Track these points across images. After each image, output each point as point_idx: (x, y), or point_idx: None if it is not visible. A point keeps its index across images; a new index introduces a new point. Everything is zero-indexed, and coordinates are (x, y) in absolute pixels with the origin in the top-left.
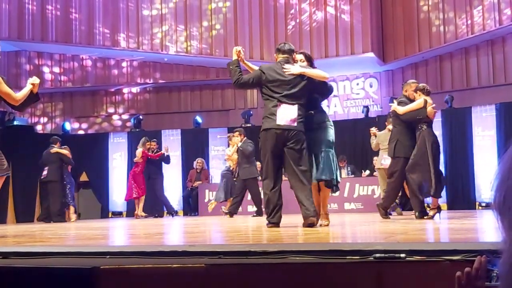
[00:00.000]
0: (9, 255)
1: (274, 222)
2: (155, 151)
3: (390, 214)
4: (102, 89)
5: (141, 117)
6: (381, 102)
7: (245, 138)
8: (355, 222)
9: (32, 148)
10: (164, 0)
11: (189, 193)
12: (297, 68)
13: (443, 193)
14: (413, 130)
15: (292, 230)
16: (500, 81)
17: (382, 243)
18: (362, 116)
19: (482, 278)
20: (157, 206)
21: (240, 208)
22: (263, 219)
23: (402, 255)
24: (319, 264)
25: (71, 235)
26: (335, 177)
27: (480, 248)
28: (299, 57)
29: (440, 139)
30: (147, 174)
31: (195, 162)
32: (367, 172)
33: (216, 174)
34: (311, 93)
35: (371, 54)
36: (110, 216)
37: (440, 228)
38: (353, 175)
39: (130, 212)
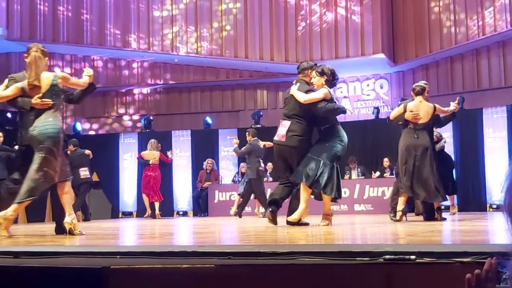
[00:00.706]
0: (19, 254)
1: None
2: None
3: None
4: (112, 89)
5: (151, 117)
6: (392, 103)
7: (255, 138)
8: (364, 223)
9: None
10: (175, 1)
11: (199, 193)
12: (292, 89)
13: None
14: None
15: (302, 231)
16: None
17: (392, 245)
18: (372, 117)
19: (492, 280)
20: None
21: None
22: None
23: (412, 257)
24: (328, 265)
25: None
26: (312, 184)
27: (491, 250)
28: (312, 73)
29: (450, 141)
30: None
31: (205, 163)
32: (377, 173)
33: (225, 175)
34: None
35: (381, 55)
36: (120, 216)
37: (450, 230)
38: (363, 177)
39: (140, 212)
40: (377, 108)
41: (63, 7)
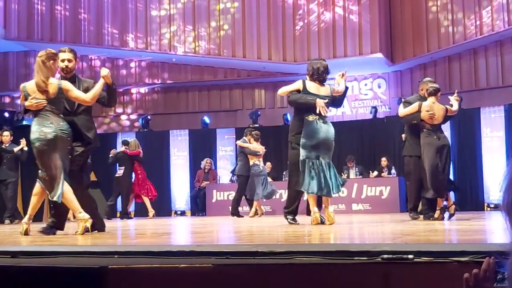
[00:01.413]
0: (17, 254)
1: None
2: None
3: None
4: None
5: (149, 117)
6: (390, 102)
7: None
8: (362, 223)
9: None
10: (173, 0)
11: (196, 193)
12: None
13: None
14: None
15: (300, 230)
16: (509, 82)
17: (389, 244)
18: (370, 116)
19: (490, 279)
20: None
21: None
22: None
23: (410, 256)
24: (326, 265)
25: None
26: None
27: (489, 250)
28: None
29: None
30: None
31: (203, 162)
32: (375, 173)
33: (223, 175)
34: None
35: (379, 55)
36: (118, 216)
37: (448, 229)
38: (361, 176)
39: (138, 212)
40: (375, 108)
41: (61, 7)
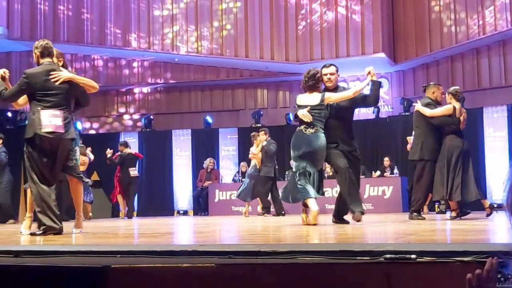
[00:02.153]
0: (20, 253)
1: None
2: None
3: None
4: (113, 89)
5: (151, 117)
6: (392, 102)
7: (269, 137)
8: (365, 222)
9: None
10: (175, 0)
11: (199, 192)
12: None
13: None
14: (440, 133)
15: (302, 230)
16: None
17: (392, 244)
18: (373, 116)
19: (493, 280)
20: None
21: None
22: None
23: (413, 256)
24: (329, 265)
25: (82, 234)
26: None
27: (491, 250)
28: None
29: None
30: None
31: (205, 162)
32: (378, 172)
33: (226, 174)
34: None
35: (382, 55)
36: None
37: (451, 229)
38: (363, 176)
39: (140, 212)
40: (377, 108)
41: (64, 6)
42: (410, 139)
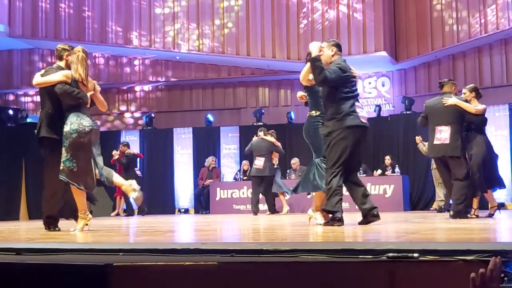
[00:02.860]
0: (22, 251)
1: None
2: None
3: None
4: (114, 87)
5: (153, 115)
6: (394, 101)
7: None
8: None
9: None
10: None
11: (200, 191)
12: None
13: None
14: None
15: (305, 228)
16: None
17: (394, 243)
18: (374, 115)
19: (497, 279)
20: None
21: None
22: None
23: (415, 254)
24: (331, 263)
25: (84, 232)
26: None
27: (494, 249)
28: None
29: None
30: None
31: (207, 160)
32: (379, 171)
33: (227, 173)
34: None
35: (383, 53)
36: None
37: (453, 228)
38: (365, 175)
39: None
40: (378, 106)
41: (65, 4)
42: (419, 138)
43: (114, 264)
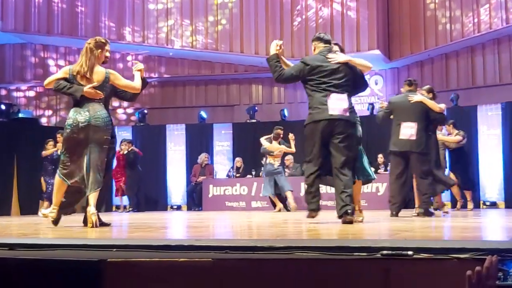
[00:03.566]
0: (15, 246)
1: (312, 209)
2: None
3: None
4: None
5: (145, 111)
6: (386, 99)
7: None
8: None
9: (36, 141)
10: None
11: (193, 188)
12: (343, 56)
13: (448, 192)
14: None
15: (299, 226)
16: (506, 80)
17: (389, 240)
18: (367, 113)
19: (493, 277)
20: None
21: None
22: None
23: (410, 252)
24: (326, 260)
25: (77, 228)
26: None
27: (489, 247)
28: (335, 48)
29: None
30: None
31: (200, 157)
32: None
33: (220, 170)
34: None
35: (377, 51)
36: (114, 209)
37: (447, 226)
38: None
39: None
40: (371, 104)
41: None
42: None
43: (108, 260)
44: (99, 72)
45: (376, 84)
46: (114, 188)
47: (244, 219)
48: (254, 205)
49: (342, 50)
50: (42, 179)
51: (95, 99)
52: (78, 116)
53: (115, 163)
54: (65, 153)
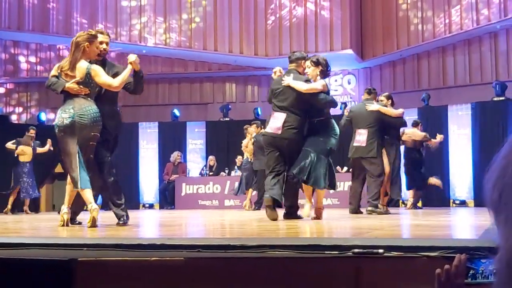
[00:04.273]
0: None
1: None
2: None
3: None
4: None
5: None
6: (359, 99)
7: (262, 130)
8: (332, 217)
9: (6, 138)
10: None
11: (165, 186)
12: (287, 80)
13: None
14: None
15: (272, 224)
16: (476, 81)
17: (360, 239)
18: (339, 112)
19: (461, 275)
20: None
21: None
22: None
23: (380, 250)
24: (298, 259)
25: (47, 227)
26: (307, 177)
27: (457, 245)
28: (307, 63)
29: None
30: None
31: (173, 155)
32: (345, 168)
33: (193, 168)
34: (310, 103)
35: (349, 51)
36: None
37: (417, 225)
38: None
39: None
40: (344, 104)
41: None
42: (441, 136)
43: (79, 259)
44: (81, 67)
45: (349, 83)
46: None
47: (217, 217)
48: (227, 204)
49: (318, 64)
50: None
51: (81, 95)
52: (62, 113)
53: None
54: (60, 153)
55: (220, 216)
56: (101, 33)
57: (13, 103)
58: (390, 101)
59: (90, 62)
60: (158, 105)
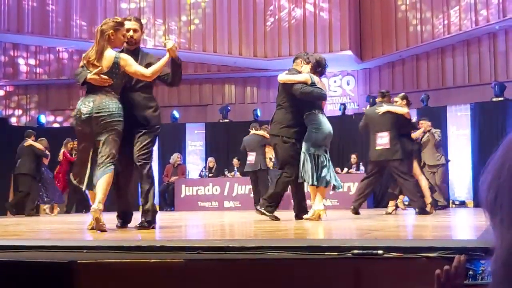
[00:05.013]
0: None
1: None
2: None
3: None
4: None
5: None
6: (358, 100)
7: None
8: (332, 218)
9: (6, 141)
10: None
11: (165, 188)
12: (278, 76)
13: None
14: None
15: (271, 226)
16: (475, 81)
17: (359, 240)
18: (339, 113)
19: (461, 276)
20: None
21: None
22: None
23: (380, 251)
24: (297, 260)
25: (47, 229)
26: (304, 177)
27: (457, 246)
28: (297, 61)
29: None
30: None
31: (172, 157)
32: (345, 169)
33: (192, 170)
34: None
35: (349, 52)
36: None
37: (416, 225)
38: None
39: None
40: (343, 105)
41: None
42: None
43: (79, 261)
44: (108, 57)
45: (348, 84)
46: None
47: (216, 219)
48: (226, 205)
49: (308, 61)
50: None
51: (105, 88)
52: (82, 107)
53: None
54: (77, 148)
55: (220, 218)
56: (129, 20)
57: (12, 106)
58: (405, 101)
59: (122, 51)
60: None
